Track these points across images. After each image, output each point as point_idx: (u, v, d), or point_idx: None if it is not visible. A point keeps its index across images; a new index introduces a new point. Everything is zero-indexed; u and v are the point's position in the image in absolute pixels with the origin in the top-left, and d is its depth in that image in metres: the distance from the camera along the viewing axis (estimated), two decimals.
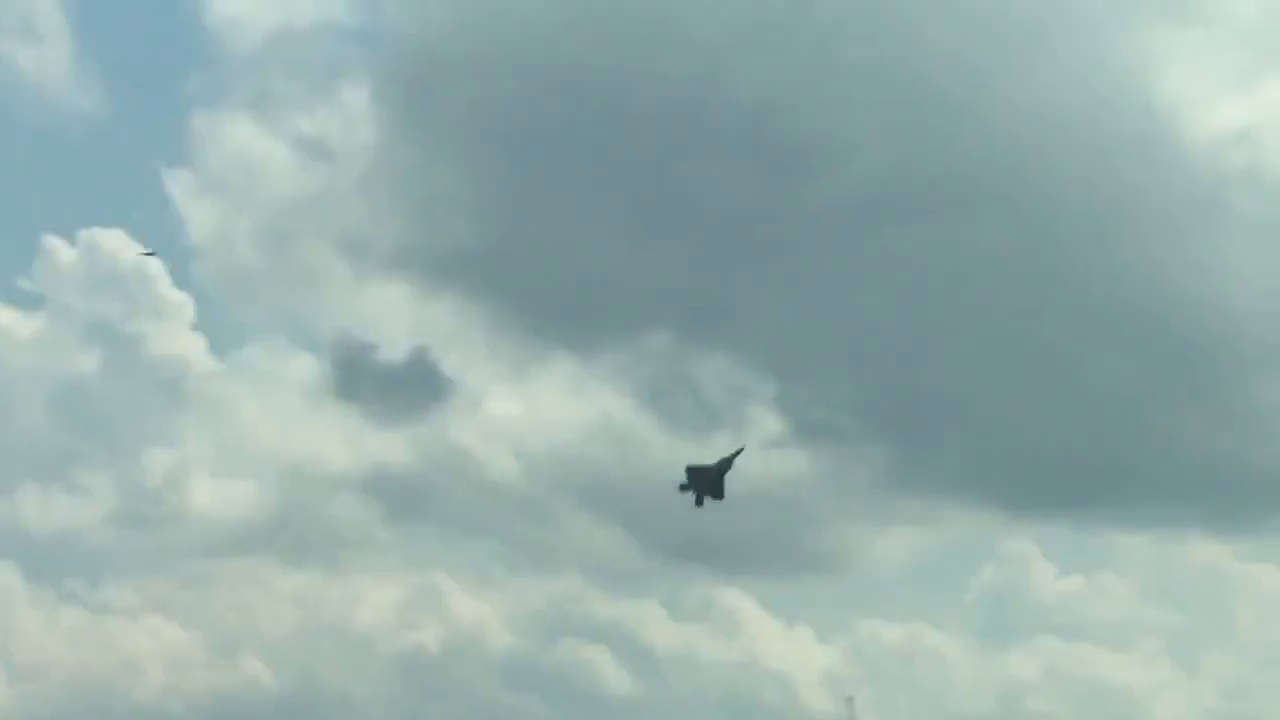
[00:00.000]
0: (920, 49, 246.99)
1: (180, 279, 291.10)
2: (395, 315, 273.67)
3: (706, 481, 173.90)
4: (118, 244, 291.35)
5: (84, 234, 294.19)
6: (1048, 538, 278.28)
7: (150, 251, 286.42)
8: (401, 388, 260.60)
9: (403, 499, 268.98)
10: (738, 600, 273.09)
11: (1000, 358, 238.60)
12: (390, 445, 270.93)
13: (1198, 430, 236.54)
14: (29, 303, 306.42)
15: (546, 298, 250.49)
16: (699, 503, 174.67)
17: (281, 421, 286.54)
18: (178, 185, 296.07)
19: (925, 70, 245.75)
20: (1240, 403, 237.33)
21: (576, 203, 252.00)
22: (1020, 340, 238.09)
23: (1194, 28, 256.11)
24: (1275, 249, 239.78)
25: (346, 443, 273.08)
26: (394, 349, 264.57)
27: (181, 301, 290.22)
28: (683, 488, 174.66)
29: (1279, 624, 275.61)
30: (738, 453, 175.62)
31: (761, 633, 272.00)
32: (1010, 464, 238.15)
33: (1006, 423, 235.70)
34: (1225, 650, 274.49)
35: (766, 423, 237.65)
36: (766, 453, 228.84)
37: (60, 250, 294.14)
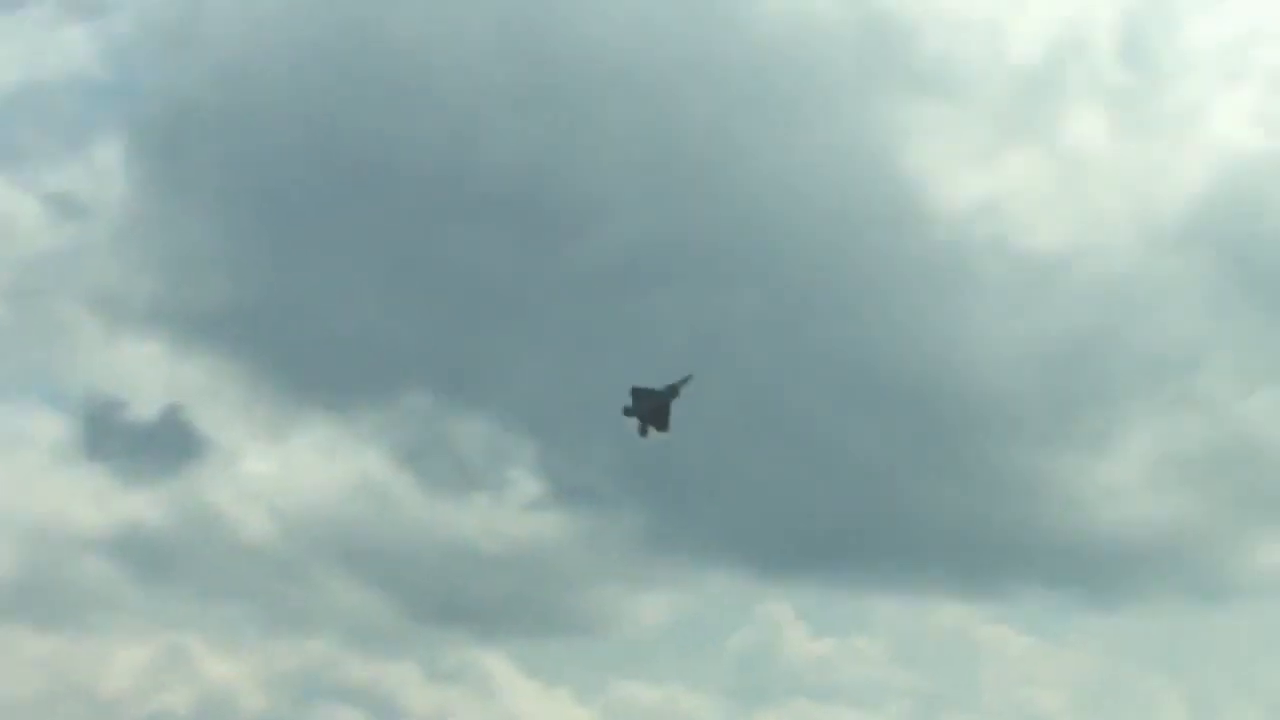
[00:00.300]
0: (677, 117, 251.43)
1: None
2: (148, 373, 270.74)
3: (651, 408, 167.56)
4: None
5: None
6: (802, 600, 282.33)
7: None
8: (153, 446, 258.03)
9: (153, 559, 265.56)
10: (495, 662, 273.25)
11: (755, 422, 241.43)
12: (141, 505, 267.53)
13: (945, 495, 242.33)
14: None
15: (304, 357, 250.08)
16: (643, 433, 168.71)
17: (28, 481, 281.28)
18: None
19: (682, 138, 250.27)
20: (985, 468, 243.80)
21: (335, 262, 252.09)
22: (774, 405, 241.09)
23: (940, 102, 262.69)
24: (1018, 317, 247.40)
25: (96, 502, 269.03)
26: (146, 407, 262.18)
27: None
28: (626, 411, 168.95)
29: (1021, 686, 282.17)
30: (685, 380, 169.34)
31: (519, 694, 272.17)
32: (765, 527, 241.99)
33: (761, 486, 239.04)
34: (970, 712, 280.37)
35: (526, 484, 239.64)
36: (525, 514, 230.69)
37: None
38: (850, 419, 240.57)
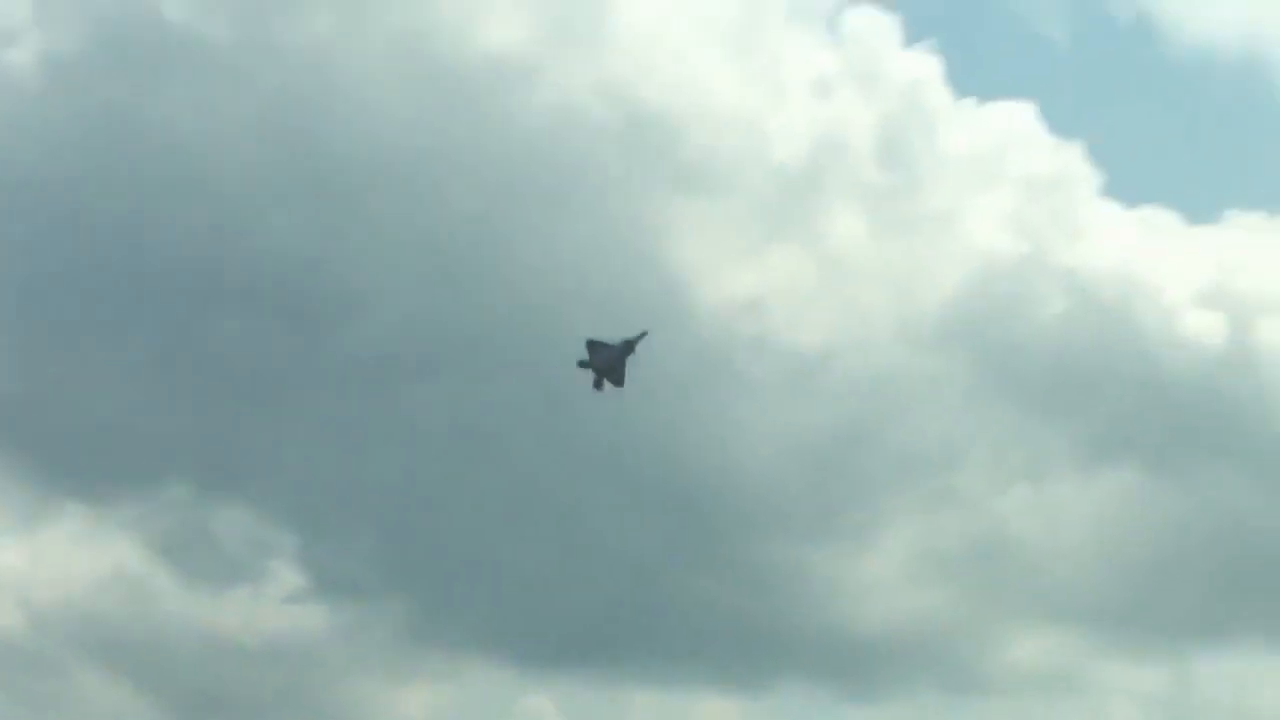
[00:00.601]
0: (441, 209, 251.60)
1: None
2: None
3: (607, 361, 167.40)
4: None
5: None
6: (564, 694, 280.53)
7: None
8: None
9: None
10: None
11: (517, 514, 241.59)
12: None
13: (708, 589, 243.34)
14: None
15: (58, 446, 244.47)
16: (598, 386, 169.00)
17: None
18: None
19: (446, 230, 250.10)
20: (748, 563, 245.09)
21: (91, 350, 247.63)
22: (536, 497, 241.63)
23: (704, 199, 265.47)
24: (781, 413, 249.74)
25: None
26: None
27: None
28: (581, 364, 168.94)
29: None
30: (642, 335, 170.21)
31: None
32: (528, 620, 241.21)
33: (524, 579, 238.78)
34: None
35: (287, 576, 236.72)
36: (286, 607, 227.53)
37: None
38: (614, 512, 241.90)
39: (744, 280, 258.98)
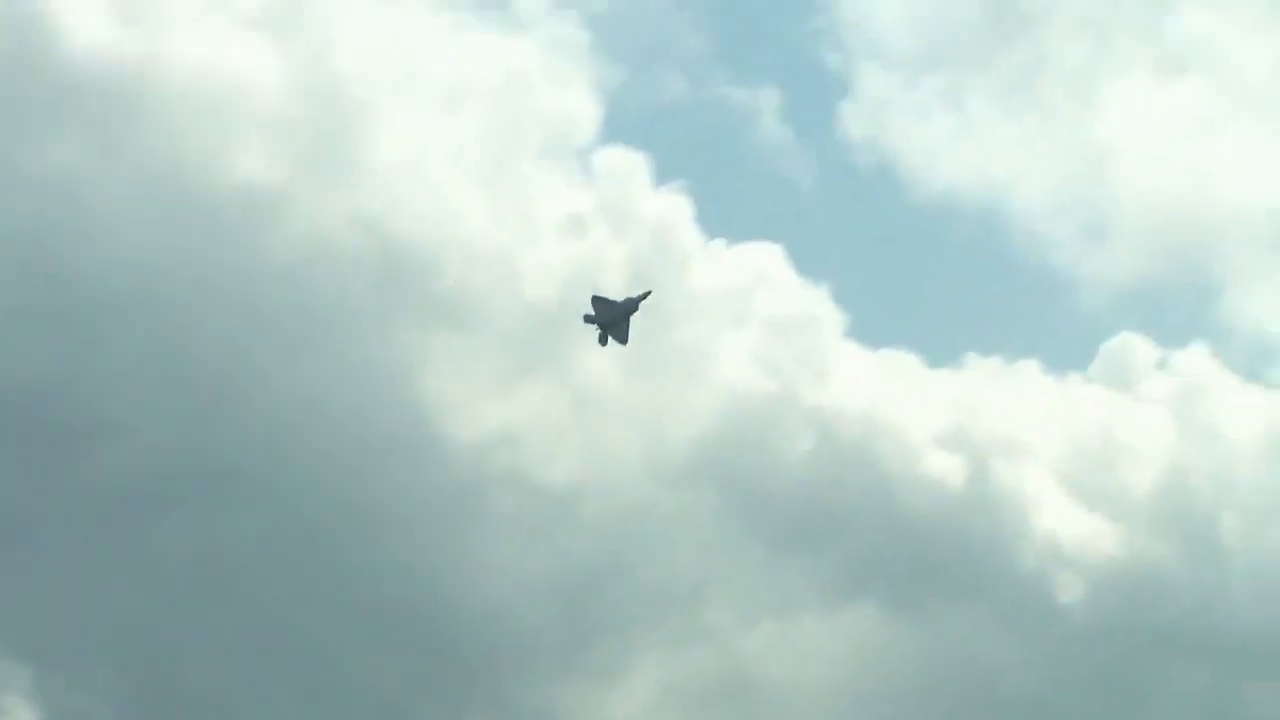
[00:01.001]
0: (191, 337, 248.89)
1: None
2: None
3: (611, 317, 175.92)
4: None
5: None
6: None
7: None
8: None
9: None
10: None
11: (263, 651, 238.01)
12: None
13: None
14: None
15: None
16: (602, 341, 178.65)
17: None
18: None
19: (195, 359, 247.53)
20: (498, 700, 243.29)
21: None
22: (283, 633, 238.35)
23: (457, 333, 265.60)
24: (532, 549, 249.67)
25: None
26: None
27: None
28: (587, 319, 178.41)
29: None
30: (645, 295, 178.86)
31: None
32: None
33: (270, 716, 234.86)
34: None
35: (20, 713, 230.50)
36: None
37: None
38: (363, 650, 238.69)
39: (496, 415, 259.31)
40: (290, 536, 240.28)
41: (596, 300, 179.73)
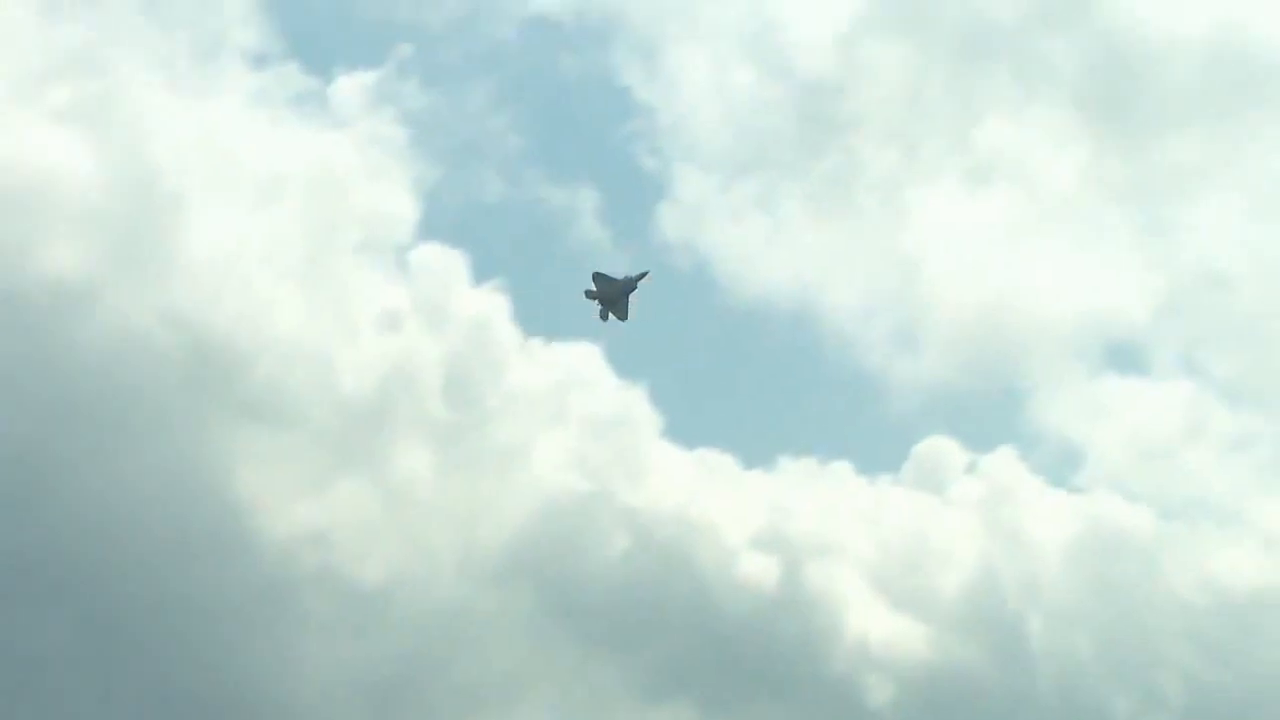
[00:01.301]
0: None
1: None
2: None
3: (612, 294, 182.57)
4: None
5: None
6: None
7: None
8: None
9: None
10: None
11: None
12: None
13: None
14: None
15: None
16: (603, 317, 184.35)
17: None
18: None
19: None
20: None
21: None
22: None
23: (270, 430, 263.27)
24: (344, 647, 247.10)
25: None
26: None
27: None
28: (588, 294, 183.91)
29: None
30: (643, 275, 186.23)
31: None
32: None
33: None
34: None
35: None
36: None
37: None
38: None
39: (309, 512, 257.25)
40: (95, 633, 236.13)
41: (598, 277, 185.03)
